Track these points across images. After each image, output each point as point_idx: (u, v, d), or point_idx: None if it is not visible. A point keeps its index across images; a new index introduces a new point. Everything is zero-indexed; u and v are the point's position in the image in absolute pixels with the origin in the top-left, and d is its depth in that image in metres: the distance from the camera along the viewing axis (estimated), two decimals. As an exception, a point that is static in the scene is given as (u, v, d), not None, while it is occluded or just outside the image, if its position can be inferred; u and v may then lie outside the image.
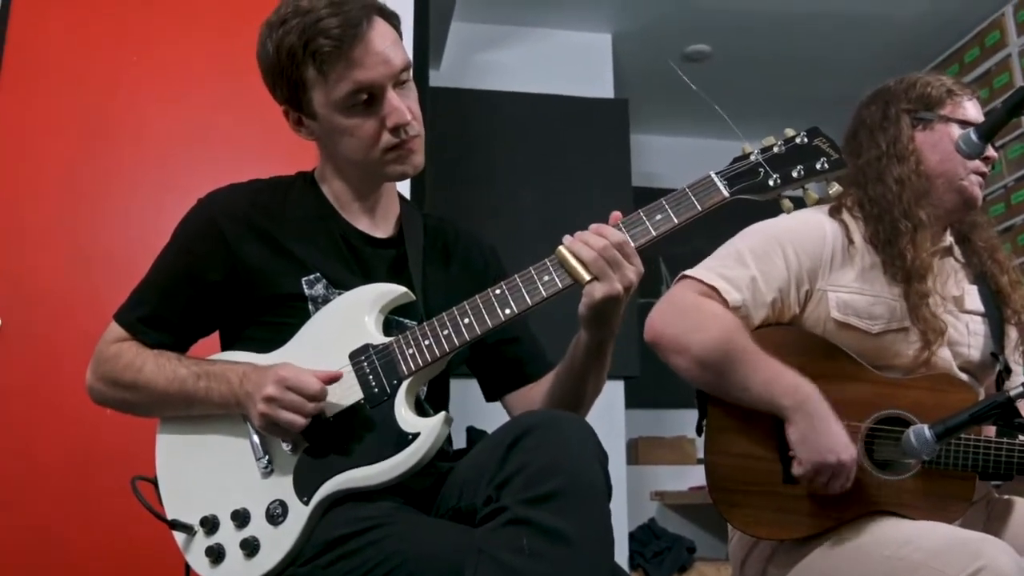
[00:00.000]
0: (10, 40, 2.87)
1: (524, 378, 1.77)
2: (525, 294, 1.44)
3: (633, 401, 4.24)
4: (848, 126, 2.02)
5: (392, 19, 1.61)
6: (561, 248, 1.44)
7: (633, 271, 1.42)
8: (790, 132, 1.50)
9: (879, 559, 1.64)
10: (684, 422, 4.90)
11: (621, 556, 3.97)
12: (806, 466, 1.70)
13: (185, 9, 3.04)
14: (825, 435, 1.68)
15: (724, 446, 1.80)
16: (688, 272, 1.85)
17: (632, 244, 1.43)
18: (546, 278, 1.44)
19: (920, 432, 1.61)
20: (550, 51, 4.54)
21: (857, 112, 2.02)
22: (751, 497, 1.76)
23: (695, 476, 4.86)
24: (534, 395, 1.74)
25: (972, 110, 1.94)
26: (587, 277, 1.41)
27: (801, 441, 1.70)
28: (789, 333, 1.84)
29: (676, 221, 1.44)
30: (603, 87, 4.55)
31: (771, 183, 1.46)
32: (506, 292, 1.45)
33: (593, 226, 1.44)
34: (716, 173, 1.47)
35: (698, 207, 1.44)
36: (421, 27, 3.13)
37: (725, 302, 1.79)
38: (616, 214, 1.46)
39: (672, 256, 5.27)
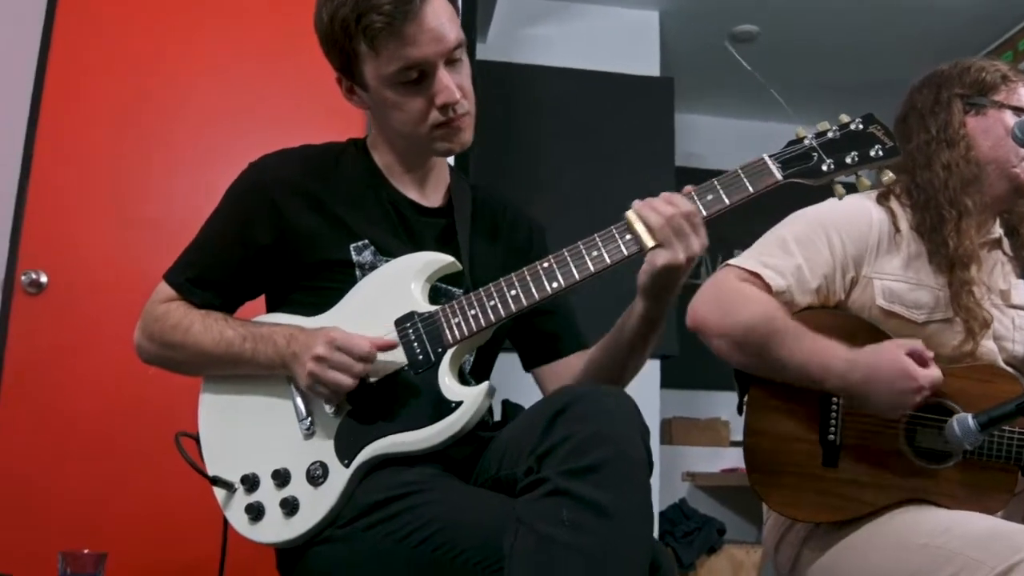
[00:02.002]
0: (60, 11, 2.90)
1: (556, 352, 1.77)
2: (573, 269, 1.44)
3: (668, 381, 4.23)
4: (899, 110, 1.99)
5: None
6: (629, 212, 1.43)
7: (698, 243, 1.41)
8: (845, 118, 1.49)
9: (916, 547, 1.63)
10: (718, 404, 4.91)
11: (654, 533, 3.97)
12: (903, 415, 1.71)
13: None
14: (884, 396, 1.66)
15: (764, 427, 1.79)
16: (731, 261, 1.84)
17: (700, 216, 1.42)
18: (595, 253, 1.44)
19: (964, 421, 1.60)
20: (597, 27, 4.51)
21: (909, 96, 1.99)
22: (789, 479, 1.76)
23: (727, 458, 4.85)
24: (563, 371, 1.74)
25: None
26: (651, 243, 1.41)
27: (876, 412, 1.71)
28: (833, 316, 1.83)
29: (727, 202, 1.43)
30: (649, 65, 4.51)
31: (824, 168, 1.45)
32: (554, 266, 1.45)
33: (664, 194, 1.44)
34: (769, 156, 1.46)
35: (750, 189, 1.43)
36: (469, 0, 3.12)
37: (768, 288, 1.78)
38: (688, 188, 1.46)
39: (713, 237, 5.28)
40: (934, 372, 1.66)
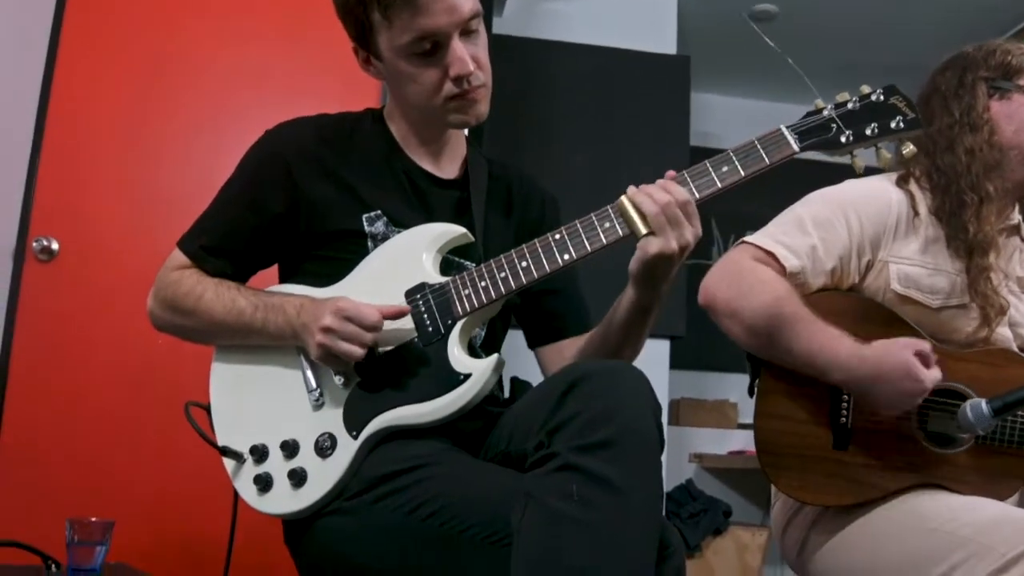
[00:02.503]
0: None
1: (559, 332, 1.76)
2: (585, 240, 1.43)
3: (677, 362, 4.21)
4: (921, 92, 1.96)
5: None
6: (623, 198, 1.43)
7: (691, 232, 1.40)
8: (866, 89, 1.46)
9: (925, 531, 1.62)
10: (727, 385, 4.90)
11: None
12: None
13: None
14: (887, 396, 1.63)
15: (774, 409, 1.77)
16: (747, 238, 1.83)
17: (694, 205, 1.41)
18: (607, 225, 1.43)
19: (977, 406, 1.59)
20: (614, 4, 4.47)
21: (932, 78, 1.96)
22: (799, 461, 1.75)
23: (735, 440, 4.85)
24: (566, 352, 1.74)
25: None
26: (644, 230, 1.40)
27: (874, 409, 1.68)
28: (846, 299, 1.82)
29: (743, 173, 1.42)
30: (666, 43, 4.47)
31: (843, 140, 1.43)
32: (565, 237, 1.44)
33: (660, 181, 1.42)
34: (787, 127, 1.44)
35: (766, 160, 1.42)
36: (487, -27, 3.10)
37: (782, 268, 1.77)
38: (671, 173, 1.44)
39: (725, 216, 5.27)
40: (936, 373, 1.63)
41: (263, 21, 2.96)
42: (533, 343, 1.81)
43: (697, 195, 1.42)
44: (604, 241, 1.43)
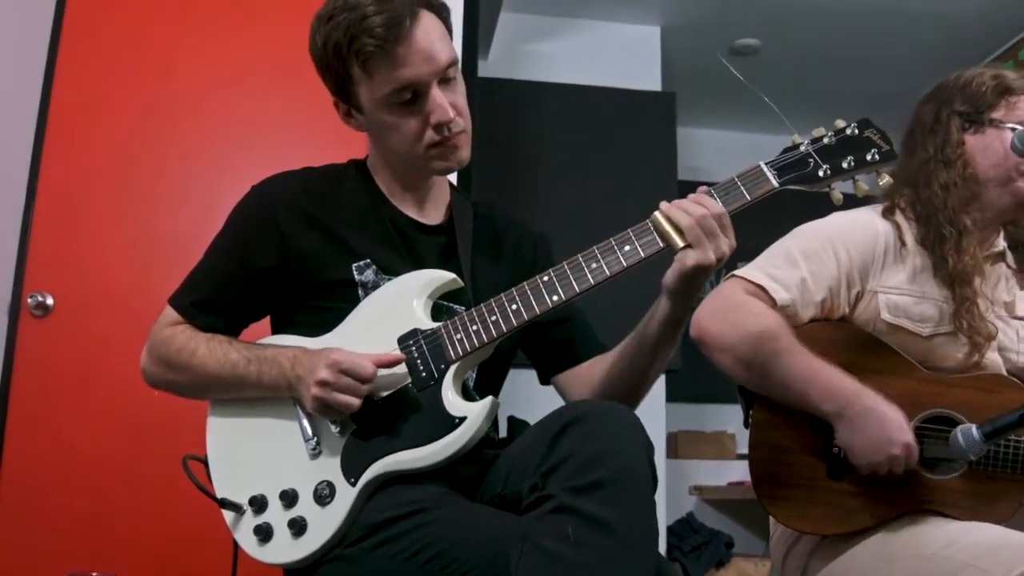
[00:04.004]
0: (67, 23, 2.91)
1: (574, 358, 1.76)
2: (573, 281, 1.45)
3: (674, 395, 4.23)
4: (907, 123, 1.98)
5: (441, 12, 1.61)
6: (657, 213, 1.45)
7: (727, 243, 1.43)
8: (841, 123, 1.50)
9: (923, 558, 1.63)
10: (724, 417, 4.91)
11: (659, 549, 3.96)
12: (860, 468, 1.69)
13: (241, -6, 3.07)
14: (871, 434, 1.66)
15: (769, 440, 1.78)
16: (737, 272, 1.84)
17: (728, 217, 1.43)
18: (594, 265, 1.45)
19: (968, 432, 1.60)
20: (598, 43, 4.53)
21: (915, 110, 1.97)
22: (795, 491, 1.75)
23: (734, 471, 4.84)
24: (588, 374, 1.73)
25: None
26: (681, 244, 1.42)
27: (849, 446, 1.70)
28: (836, 329, 1.83)
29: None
30: (651, 80, 4.53)
31: (821, 174, 1.46)
32: (553, 279, 1.46)
33: (692, 195, 1.45)
34: (765, 163, 1.47)
35: (747, 196, 1.44)
36: (471, 17, 3.13)
37: (772, 301, 1.78)
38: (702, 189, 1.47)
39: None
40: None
41: (257, 68, 2.98)
42: (548, 374, 1.80)
43: (729, 216, 1.44)
44: (592, 282, 1.45)
